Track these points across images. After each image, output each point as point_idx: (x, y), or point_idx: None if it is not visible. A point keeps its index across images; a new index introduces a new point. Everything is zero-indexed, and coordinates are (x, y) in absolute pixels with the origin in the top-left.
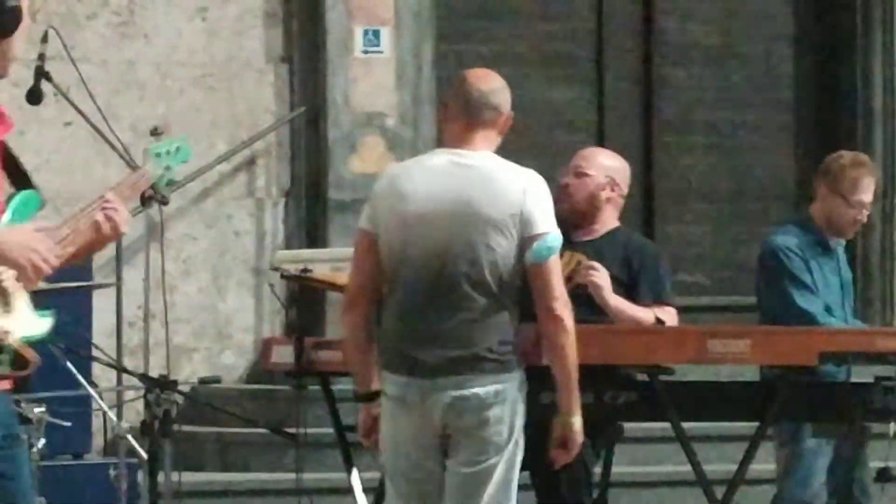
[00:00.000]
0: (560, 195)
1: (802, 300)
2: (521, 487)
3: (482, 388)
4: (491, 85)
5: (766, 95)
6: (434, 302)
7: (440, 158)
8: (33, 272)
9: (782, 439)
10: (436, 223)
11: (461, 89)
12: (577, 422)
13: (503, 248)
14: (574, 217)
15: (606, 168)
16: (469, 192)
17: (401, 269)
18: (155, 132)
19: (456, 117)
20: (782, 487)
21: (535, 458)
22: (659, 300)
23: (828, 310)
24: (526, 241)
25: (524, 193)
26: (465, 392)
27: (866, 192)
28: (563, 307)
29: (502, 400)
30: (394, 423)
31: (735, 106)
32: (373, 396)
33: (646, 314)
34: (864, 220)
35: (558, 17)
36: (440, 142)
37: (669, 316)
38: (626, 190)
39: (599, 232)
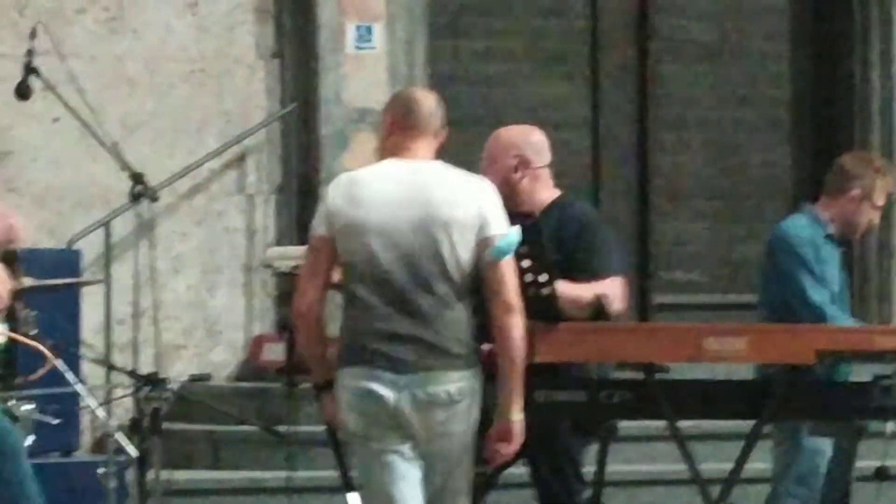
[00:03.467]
0: None
1: (814, 292)
2: (523, 486)
3: (453, 384)
4: (435, 101)
5: (763, 92)
6: (409, 302)
7: (394, 167)
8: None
9: (780, 437)
10: (401, 228)
11: (408, 103)
12: (518, 416)
13: (465, 247)
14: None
15: (511, 148)
16: (430, 197)
17: (368, 273)
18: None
19: (404, 129)
20: (779, 485)
21: (534, 456)
22: (596, 272)
23: (832, 302)
24: (484, 241)
25: (480, 197)
26: (438, 388)
27: (886, 198)
28: (519, 302)
29: (469, 393)
30: (364, 417)
31: (731, 103)
32: (330, 385)
33: (585, 292)
34: (877, 223)
35: (553, 13)
36: (383, 151)
37: (611, 287)
38: (543, 159)
39: (537, 210)
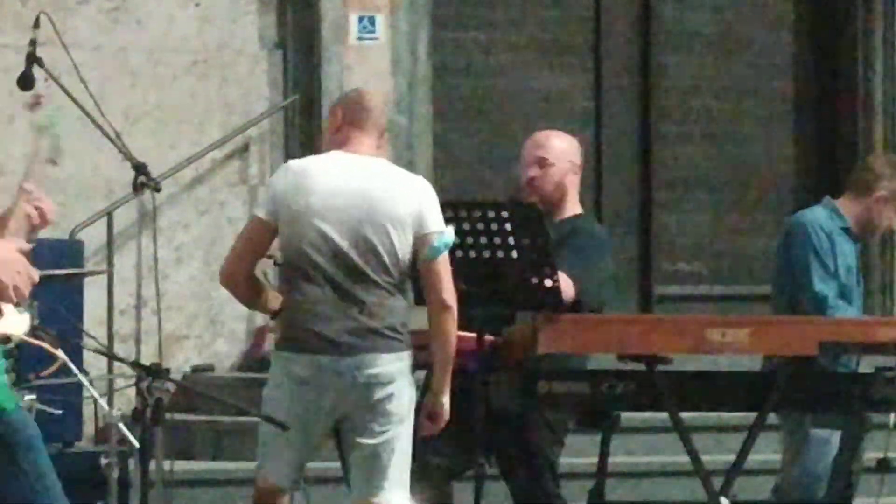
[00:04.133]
0: (526, 188)
1: (820, 283)
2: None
3: (391, 365)
4: (383, 101)
5: (765, 84)
6: (348, 289)
7: (342, 159)
8: (15, 293)
9: (788, 429)
10: (344, 219)
11: (361, 101)
12: (446, 400)
13: (401, 242)
14: (545, 207)
15: (565, 152)
16: (374, 192)
17: (307, 259)
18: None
19: (354, 124)
20: (785, 475)
21: (507, 457)
22: (558, 267)
23: (843, 295)
24: (421, 238)
25: (420, 196)
26: (377, 370)
27: None
28: (452, 298)
29: (403, 374)
30: (298, 401)
31: (734, 95)
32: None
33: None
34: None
35: (556, 4)
36: (330, 143)
37: (563, 281)
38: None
39: (564, 214)
